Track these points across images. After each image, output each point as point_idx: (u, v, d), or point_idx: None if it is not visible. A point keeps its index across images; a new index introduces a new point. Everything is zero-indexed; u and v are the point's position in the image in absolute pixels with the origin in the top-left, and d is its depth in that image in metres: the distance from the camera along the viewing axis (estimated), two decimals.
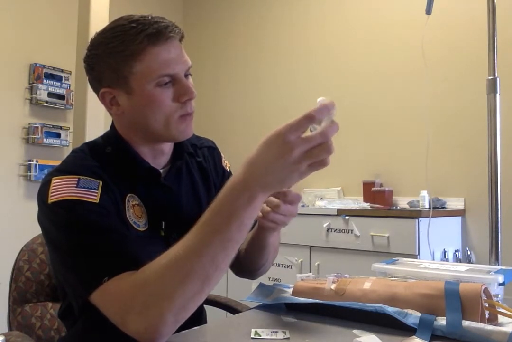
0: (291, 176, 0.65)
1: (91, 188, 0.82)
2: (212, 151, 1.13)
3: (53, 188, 0.82)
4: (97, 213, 0.80)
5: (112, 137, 0.96)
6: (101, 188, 0.83)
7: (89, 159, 0.90)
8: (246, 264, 1.09)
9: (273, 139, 0.64)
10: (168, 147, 0.98)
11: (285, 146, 0.63)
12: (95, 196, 0.81)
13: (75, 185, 0.81)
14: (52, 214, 0.81)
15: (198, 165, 1.07)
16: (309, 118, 0.63)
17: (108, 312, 0.73)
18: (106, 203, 0.82)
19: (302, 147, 0.63)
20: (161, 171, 0.96)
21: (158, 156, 0.97)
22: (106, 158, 0.92)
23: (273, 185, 0.67)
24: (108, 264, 0.75)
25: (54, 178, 0.83)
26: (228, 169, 1.15)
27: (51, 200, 0.80)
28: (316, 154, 0.64)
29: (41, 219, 0.85)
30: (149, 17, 0.87)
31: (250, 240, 1.03)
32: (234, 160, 1.15)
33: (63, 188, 0.81)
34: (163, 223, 0.94)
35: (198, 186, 1.05)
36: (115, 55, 0.85)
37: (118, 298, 0.72)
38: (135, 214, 0.88)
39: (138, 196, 0.91)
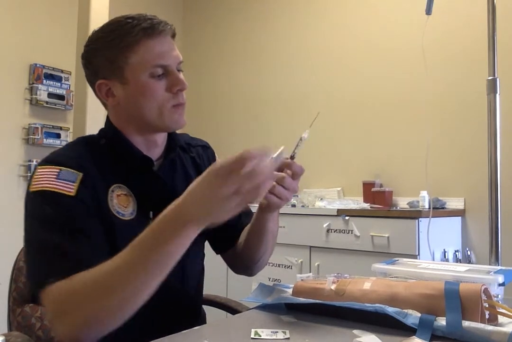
0: (221, 211, 0.67)
1: (69, 180, 0.85)
2: (206, 149, 1.16)
3: (36, 177, 0.86)
4: (71, 206, 0.83)
5: (107, 129, 1.00)
6: (80, 180, 0.86)
7: (77, 150, 0.93)
8: (245, 258, 1.10)
9: (206, 176, 0.67)
10: (161, 139, 1.01)
11: (213, 185, 0.66)
12: (72, 188, 0.84)
13: (55, 176, 0.85)
14: (30, 202, 0.85)
15: (192, 161, 1.10)
16: (241, 162, 0.65)
17: (46, 312, 0.80)
18: (83, 195, 0.85)
19: (230, 187, 0.65)
20: (154, 162, 0.99)
21: (152, 148, 0.99)
22: (99, 150, 0.95)
23: (204, 218, 0.68)
24: (58, 265, 0.77)
25: (40, 166, 0.87)
26: None
27: (32, 188, 0.85)
28: (244, 194, 0.66)
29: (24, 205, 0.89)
30: (144, 14, 0.93)
31: (249, 230, 1.05)
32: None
33: (44, 178, 0.85)
34: (151, 213, 0.95)
35: (192, 178, 1.06)
36: (112, 47, 0.91)
37: (50, 302, 0.74)
38: (119, 203, 0.91)
39: (129, 186, 0.94)
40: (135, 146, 0.96)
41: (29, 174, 2.92)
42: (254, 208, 1.01)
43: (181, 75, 0.94)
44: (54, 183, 0.83)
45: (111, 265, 0.71)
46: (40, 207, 0.82)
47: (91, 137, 1.00)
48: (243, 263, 1.12)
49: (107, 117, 1.00)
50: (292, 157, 0.92)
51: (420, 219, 2.11)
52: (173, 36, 0.96)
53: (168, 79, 0.92)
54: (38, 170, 0.86)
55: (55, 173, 0.85)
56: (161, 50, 0.91)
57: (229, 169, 0.65)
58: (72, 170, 0.86)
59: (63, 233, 0.80)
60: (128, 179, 0.94)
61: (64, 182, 0.84)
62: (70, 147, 0.95)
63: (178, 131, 1.07)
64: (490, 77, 1.50)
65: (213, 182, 0.66)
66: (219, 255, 1.17)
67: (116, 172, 0.93)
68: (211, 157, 1.15)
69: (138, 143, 0.97)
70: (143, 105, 0.91)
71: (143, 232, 0.70)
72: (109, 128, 0.99)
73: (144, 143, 0.98)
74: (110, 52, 0.91)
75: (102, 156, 0.93)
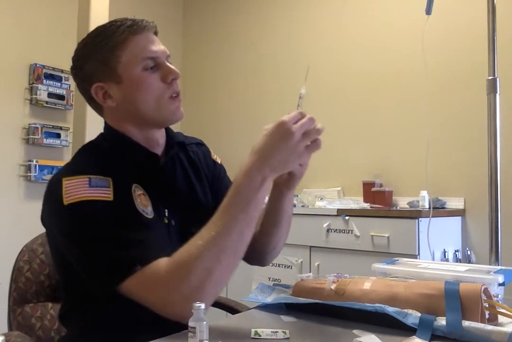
0: (293, 157, 0.80)
1: (103, 186, 0.85)
2: (200, 146, 1.16)
3: (67, 188, 0.84)
4: (115, 210, 0.83)
5: (107, 133, 1.00)
6: (112, 185, 0.86)
7: (92, 157, 0.93)
8: (259, 246, 1.08)
9: (277, 129, 0.79)
10: (162, 138, 1.02)
11: (288, 132, 0.78)
12: (109, 193, 0.84)
13: (87, 185, 0.84)
14: (70, 215, 0.83)
15: (188, 157, 1.10)
16: (302, 114, 0.81)
17: (147, 296, 0.78)
18: (120, 199, 0.85)
19: (300, 130, 0.79)
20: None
21: (154, 147, 1.00)
22: (105, 154, 0.95)
23: (279, 167, 0.81)
24: (137, 253, 0.79)
25: (64, 178, 0.85)
26: (219, 162, 1.18)
27: (67, 201, 0.82)
28: (310, 135, 0.80)
29: (54, 220, 0.87)
30: (125, 17, 0.95)
31: (265, 214, 1.04)
32: (232, 159, 1.17)
33: (77, 189, 0.84)
34: (166, 210, 0.96)
35: (190, 175, 1.07)
36: (101, 49, 0.92)
37: (160, 283, 0.77)
38: (142, 203, 0.90)
39: (141, 185, 0.93)
40: (139, 144, 0.97)
41: (29, 174, 2.92)
42: None
43: (172, 66, 0.96)
44: (89, 191, 0.83)
45: (214, 230, 0.78)
46: (87, 215, 0.82)
47: (93, 143, 1.00)
48: (257, 252, 1.10)
49: (105, 122, 1.00)
50: None
51: (420, 218, 2.10)
52: (156, 33, 0.98)
53: (161, 70, 0.94)
54: (66, 182, 0.85)
55: (86, 182, 0.84)
56: (147, 43, 0.93)
57: (294, 121, 0.79)
58: (100, 176, 0.86)
59: (123, 227, 0.82)
60: (138, 178, 0.94)
61: (99, 189, 0.84)
62: (83, 155, 0.95)
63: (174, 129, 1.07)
64: (490, 77, 1.50)
65: (285, 135, 0.78)
66: None
67: (127, 172, 0.93)
68: (206, 154, 1.16)
69: (140, 142, 0.97)
70: (140, 100, 0.92)
71: (228, 197, 0.80)
72: (109, 131, 0.99)
73: (145, 143, 0.98)
74: (100, 54, 0.92)
75: (110, 159, 0.93)
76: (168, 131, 1.04)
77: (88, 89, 0.95)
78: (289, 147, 0.79)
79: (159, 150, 1.01)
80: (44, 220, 0.92)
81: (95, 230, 0.81)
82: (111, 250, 0.80)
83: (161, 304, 0.77)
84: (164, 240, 0.85)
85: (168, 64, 0.95)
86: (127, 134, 0.96)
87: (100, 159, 0.92)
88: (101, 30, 0.94)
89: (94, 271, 0.83)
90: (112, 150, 0.96)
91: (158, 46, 0.95)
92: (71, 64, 0.98)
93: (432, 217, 2.07)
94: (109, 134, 0.99)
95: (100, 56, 0.92)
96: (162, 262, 0.78)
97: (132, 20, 0.94)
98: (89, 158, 0.93)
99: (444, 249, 2.27)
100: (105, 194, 0.84)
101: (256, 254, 1.11)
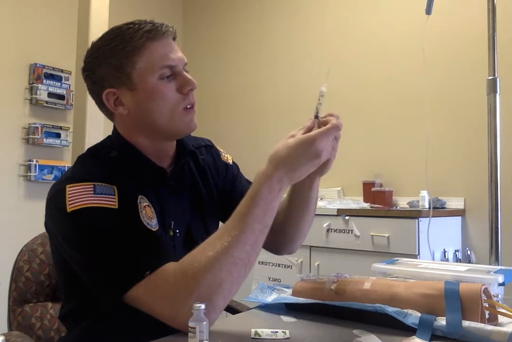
0: (313, 169, 0.82)
1: (108, 194, 0.83)
2: (209, 149, 1.13)
3: (70, 195, 0.82)
4: (120, 218, 0.81)
5: (116, 141, 0.96)
6: (117, 193, 0.84)
7: (97, 165, 0.91)
8: (292, 235, 1.06)
9: (307, 147, 0.79)
10: (171, 149, 0.99)
11: (316, 154, 0.80)
12: (114, 201, 0.82)
13: (92, 192, 0.82)
14: (74, 222, 0.81)
15: (197, 165, 1.07)
16: (337, 128, 0.83)
17: (154, 305, 0.76)
18: (125, 207, 0.83)
19: (328, 149, 0.82)
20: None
21: (163, 158, 0.97)
22: (112, 163, 0.92)
23: (298, 178, 0.82)
24: (145, 259, 0.77)
25: (68, 185, 0.83)
26: (231, 162, 1.16)
27: (70, 208, 0.81)
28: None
29: (58, 227, 0.86)
30: (143, 19, 0.91)
31: (297, 203, 1.01)
32: (232, 155, 1.16)
33: (81, 196, 0.82)
34: (172, 223, 0.94)
35: (199, 185, 1.05)
36: (117, 53, 0.88)
37: (168, 292, 0.75)
38: (147, 214, 0.87)
39: (147, 197, 0.91)
40: (148, 158, 0.94)
41: (29, 174, 2.92)
42: None
43: (189, 75, 0.93)
44: (94, 198, 0.81)
45: (228, 240, 0.75)
46: (91, 222, 0.80)
47: (99, 149, 0.97)
48: (288, 241, 1.08)
49: (114, 128, 0.98)
50: (316, 116, 0.90)
51: (420, 218, 2.11)
52: (174, 38, 0.94)
53: (178, 80, 0.91)
54: (69, 189, 0.82)
55: (91, 189, 0.82)
56: (166, 51, 0.90)
57: (327, 140, 0.81)
58: (105, 184, 0.84)
59: (129, 235, 0.80)
60: (144, 190, 0.92)
61: (103, 196, 0.82)
62: (88, 163, 0.92)
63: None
64: (490, 77, 1.50)
65: (314, 154, 0.80)
66: None
67: (134, 183, 0.91)
68: (216, 157, 1.13)
69: (148, 154, 0.95)
70: (154, 110, 0.89)
71: (244, 206, 0.78)
72: (118, 140, 0.95)
73: (154, 154, 0.95)
74: (115, 59, 0.89)
75: (117, 169, 0.91)
76: (179, 140, 1.01)
77: (99, 94, 0.92)
78: (315, 164, 0.81)
79: (167, 161, 0.99)
80: (48, 226, 0.91)
81: (99, 237, 0.79)
82: (117, 257, 0.78)
83: (168, 315, 0.75)
84: (169, 249, 0.84)
85: (186, 74, 0.92)
86: (136, 145, 0.94)
87: (106, 168, 0.90)
88: (118, 33, 0.89)
89: (100, 280, 0.81)
90: (118, 159, 0.93)
91: (176, 54, 0.91)
92: (83, 65, 0.94)
93: (432, 217, 2.07)
94: (118, 142, 0.96)
95: (115, 61, 0.89)
96: (170, 270, 0.76)
97: (152, 24, 0.89)
98: (94, 166, 0.91)
99: (444, 249, 2.27)
100: (110, 201, 0.82)
101: (288, 244, 1.10)
